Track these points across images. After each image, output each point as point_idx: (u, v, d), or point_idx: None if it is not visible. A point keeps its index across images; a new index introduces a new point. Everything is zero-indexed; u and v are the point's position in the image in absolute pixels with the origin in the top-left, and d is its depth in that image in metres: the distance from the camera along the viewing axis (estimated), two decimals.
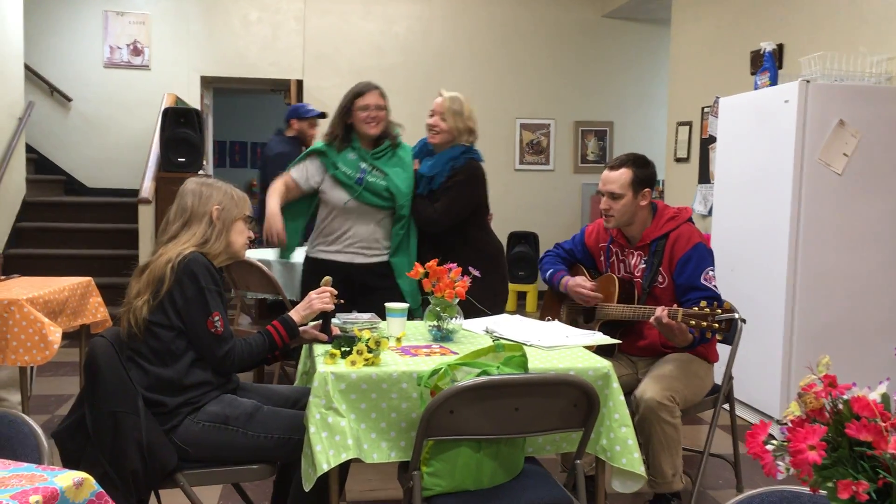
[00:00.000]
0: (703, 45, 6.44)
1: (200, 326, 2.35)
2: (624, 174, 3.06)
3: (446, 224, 3.53)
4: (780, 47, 5.20)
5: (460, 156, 3.54)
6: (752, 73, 5.29)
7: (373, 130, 3.48)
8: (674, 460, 2.84)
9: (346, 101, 3.52)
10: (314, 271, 3.51)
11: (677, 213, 3.11)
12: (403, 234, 3.53)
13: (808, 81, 4.01)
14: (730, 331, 2.72)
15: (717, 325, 2.63)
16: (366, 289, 3.47)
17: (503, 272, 3.74)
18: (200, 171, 6.89)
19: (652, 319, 2.81)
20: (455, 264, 2.68)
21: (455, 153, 3.54)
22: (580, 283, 3.16)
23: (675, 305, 2.82)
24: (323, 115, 5.77)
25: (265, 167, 5.53)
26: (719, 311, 2.64)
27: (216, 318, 2.36)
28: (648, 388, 2.83)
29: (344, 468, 2.33)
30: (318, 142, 3.61)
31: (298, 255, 4.57)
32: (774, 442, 1.13)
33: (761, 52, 4.85)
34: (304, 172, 3.55)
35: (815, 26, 4.95)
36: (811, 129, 3.99)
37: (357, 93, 3.49)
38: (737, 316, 2.69)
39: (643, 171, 3.08)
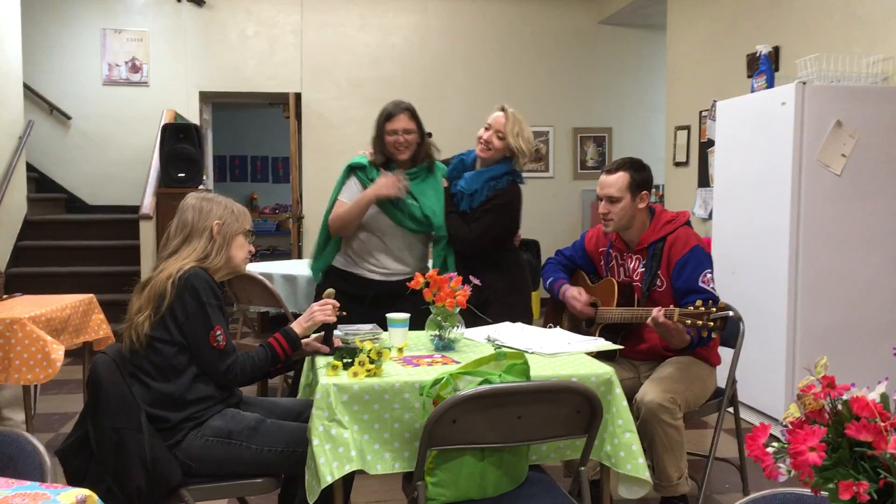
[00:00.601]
0: (699, 49, 6.45)
1: (202, 341, 2.35)
2: (621, 178, 3.07)
3: (481, 247, 3.43)
4: (776, 50, 5.22)
5: (502, 176, 3.43)
6: (749, 76, 5.31)
7: (401, 156, 3.37)
8: (678, 463, 2.84)
9: (378, 124, 3.40)
10: (338, 282, 3.36)
11: (675, 217, 3.12)
12: (444, 255, 3.43)
13: (804, 83, 4.02)
14: (725, 329, 2.73)
15: (712, 323, 2.64)
16: (394, 300, 3.29)
17: (527, 293, 3.64)
18: (201, 186, 6.91)
19: (649, 320, 2.82)
20: (483, 283, 2.67)
21: (497, 172, 3.42)
22: (575, 296, 3.17)
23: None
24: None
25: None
26: (714, 309, 2.65)
27: (218, 332, 2.36)
28: (649, 391, 2.83)
29: (348, 480, 2.33)
30: (360, 157, 3.47)
31: (300, 268, 4.57)
32: (775, 444, 1.13)
33: (757, 54, 4.86)
34: (352, 194, 3.39)
35: (810, 28, 4.96)
36: (809, 130, 4.00)
37: (386, 115, 3.37)
38: (731, 313, 2.69)
39: (640, 175, 3.09)
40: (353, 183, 3.42)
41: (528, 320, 3.47)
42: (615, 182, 3.07)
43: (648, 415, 2.78)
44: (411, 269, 3.39)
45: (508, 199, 3.43)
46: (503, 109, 3.44)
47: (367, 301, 3.34)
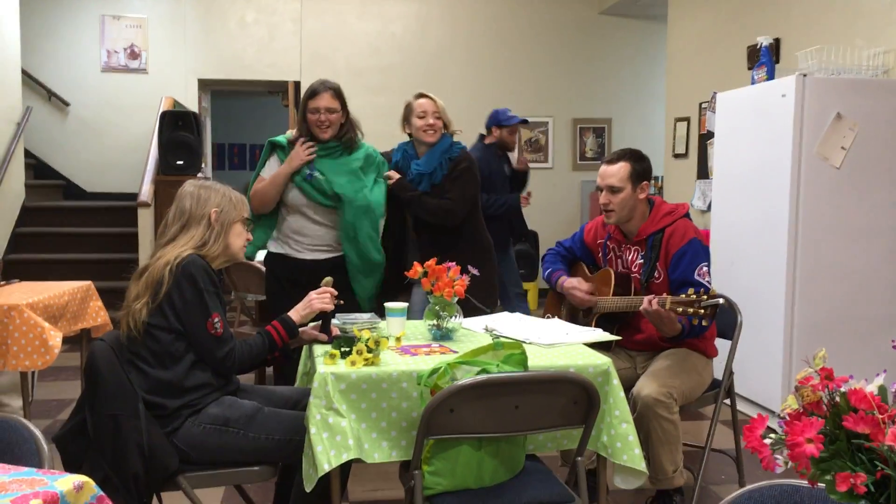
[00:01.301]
0: (699, 40, 6.44)
1: (200, 328, 2.35)
2: (623, 168, 3.07)
3: (463, 211, 3.60)
4: (777, 42, 5.20)
5: (451, 147, 3.63)
6: (749, 68, 5.30)
7: (323, 135, 3.39)
8: (674, 456, 2.84)
9: (301, 102, 3.45)
10: (275, 266, 3.53)
11: (674, 209, 3.12)
12: (352, 235, 3.41)
13: (804, 75, 4.01)
14: (715, 317, 2.74)
15: (703, 311, 2.65)
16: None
17: (495, 265, 3.82)
18: (199, 174, 6.90)
19: (642, 308, 2.82)
20: (452, 261, 2.70)
21: (444, 146, 3.62)
22: (575, 286, 3.18)
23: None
24: (525, 122, 5.63)
25: None
26: (705, 297, 2.66)
27: (216, 319, 2.36)
28: (645, 386, 2.83)
29: (345, 468, 2.33)
30: (282, 136, 3.56)
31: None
32: (773, 436, 1.14)
33: (758, 46, 4.85)
34: (272, 171, 3.48)
35: (811, 20, 4.95)
36: (808, 123, 3.99)
37: (310, 93, 3.39)
38: (721, 300, 2.70)
39: (640, 165, 3.10)
40: (273, 160, 3.51)
41: (491, 285, 3.66)
42: (616, 172, 3.07)
43: (645, 409, 2.78)
44: (338, 244, 3.46)
45: (469, 162, 3.63)
46: (423, 95, 3.65)
47: (303, 283, 3.37)
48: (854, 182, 4.03)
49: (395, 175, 3.60)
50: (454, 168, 3.59)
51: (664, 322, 2.84)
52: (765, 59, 4.66)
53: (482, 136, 5.55)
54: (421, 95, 3.64)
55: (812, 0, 4.95)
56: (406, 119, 3.66)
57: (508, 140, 5.52)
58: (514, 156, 5.68)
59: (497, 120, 5.48)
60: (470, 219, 3.67)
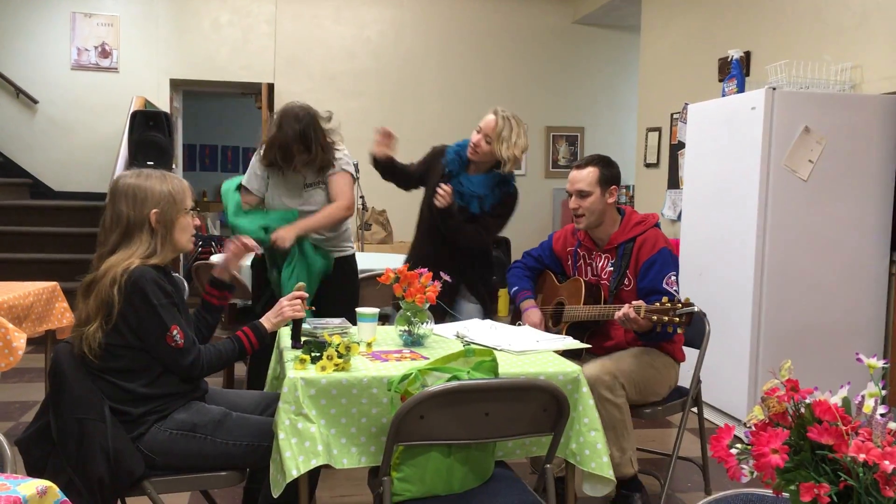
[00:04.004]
0: (672, 52, 6.51)
1: (160, 343, 2.28)
2: (591, 172, 3.12)
3: (489, 242, 3.66)
4: (748, 55, 5.28)
5: (509, 183, 3.56)
6: (720, 80, 5.36)
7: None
8: (620, 442, 2.85)
9: (279, 155, 3.34)
10: (259, 267, 3.58)
11: (644, 219, 3.17)
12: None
13: (774, 89, 4.07)
14: (690, 324, 2.77)
15: (677, 318, 2.68)
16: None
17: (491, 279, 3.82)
18: None
19: (617, 315, 2.84)
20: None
21: (505, 178, 3.53)
22: (535, 325, 3.16)
23: None
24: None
25: None
26: (680, 305, 2.70)
27: (174, 331, 2.29)
28: (591, 367, 2.87)
29: (314, 474, 2.32)
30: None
31: None
32: (739, 446, 1.15)
33: (729, 59, 4.92)
34: (250, 180, 3.53)
35: (781, 35, 5.03)
36: (777, 135, 4.05)
37: (280, 146, 3.32)
38: (696, 308, 2.73)
39: (609, 170, 3.16)
40: (250, 171, 3.55)
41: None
42: (585, 177, 3.12)
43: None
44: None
45: (513, 203, 3.60)
46: (495, 112, 3.46)
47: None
48: (821, 194, 4.09)
49: (447, 193, 3.41)
50: (501, 203, 3.55)
51: (641, 326, 2.86)
52: (735, 71, 4.73)
53: None
54: (493, 112, 3.48)
55: (782, 15, 5.03)
56: None
57: None
58: None
59: None
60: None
